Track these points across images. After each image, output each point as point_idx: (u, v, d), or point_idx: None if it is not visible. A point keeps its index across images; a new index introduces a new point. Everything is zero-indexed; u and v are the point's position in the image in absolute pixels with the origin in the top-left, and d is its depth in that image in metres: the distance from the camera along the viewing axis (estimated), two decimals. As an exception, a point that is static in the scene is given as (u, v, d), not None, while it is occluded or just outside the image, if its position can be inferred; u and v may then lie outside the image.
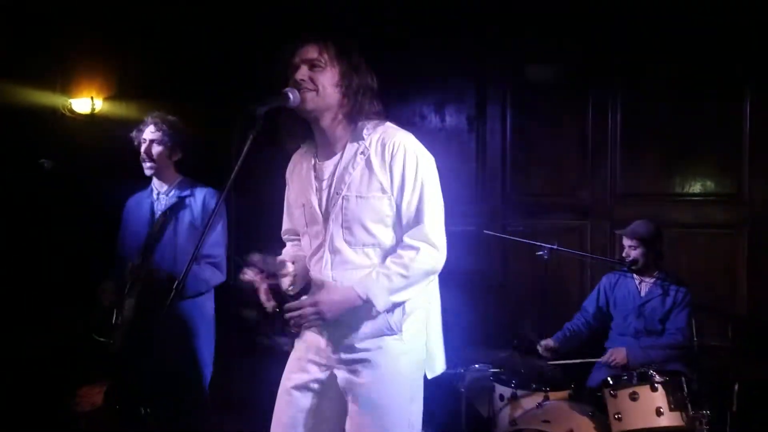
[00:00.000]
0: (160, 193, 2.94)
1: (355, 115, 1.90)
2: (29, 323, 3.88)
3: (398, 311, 1.90)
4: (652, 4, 4.11)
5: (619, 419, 2.78)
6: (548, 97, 4.40)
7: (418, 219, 1.87)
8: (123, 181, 3.06)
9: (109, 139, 3.63)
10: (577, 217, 4.38)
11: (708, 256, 4.16)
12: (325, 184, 1.93)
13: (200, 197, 2.90)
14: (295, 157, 2.06)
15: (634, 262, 3.44)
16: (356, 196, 1.87)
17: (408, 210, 1.87)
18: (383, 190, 1.87)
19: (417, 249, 1.85)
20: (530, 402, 3.00)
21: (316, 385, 1.96)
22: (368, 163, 1.88)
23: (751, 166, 4.14)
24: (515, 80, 4.44)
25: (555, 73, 4.34)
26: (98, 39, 4.59)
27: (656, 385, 2.79)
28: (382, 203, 1.87)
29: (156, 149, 2.89)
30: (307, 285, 2.00)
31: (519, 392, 3.04)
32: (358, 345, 1.89)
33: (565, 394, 3.05)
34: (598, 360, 3.40)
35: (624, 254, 3.50)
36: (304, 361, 1.98)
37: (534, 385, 3.03)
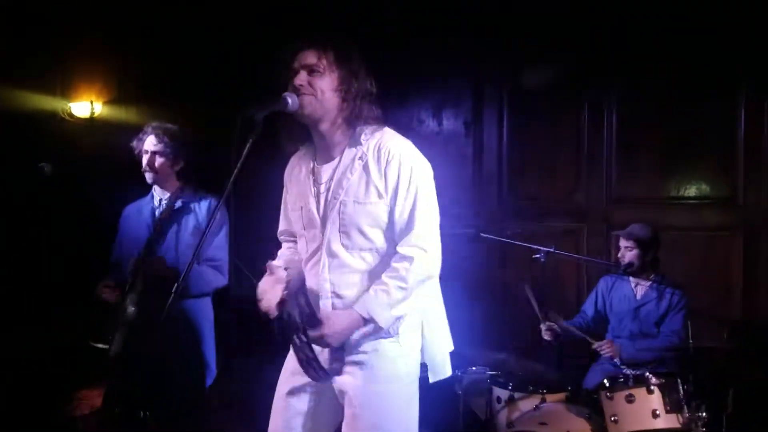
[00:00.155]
0: (162, 200, 2.94)
1: (353, 120, 1.90)
2: (29, 325, 3.88)
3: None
4: (646, 8, 4.14)
5: (616, 421, 2.79)
6: (544, 101, 4.43)
7: (410, 225, 1.88)
8: (122, 184, 3.07)
9: (108, 143, 3.64)
10: (573, 220, 4.41)
11: (703, 259, 4.19)
12: (323, 188, 1.94)
13: (205, 204, 2.90)
14: (293, 160, 2.07)
15: (630, 264, 3.46)
16: (354, 201, 1.88)
17: (401, 217, 1.88)
18: (380, 196, 1.88)
19: (411, 259, 1.86)
20: (527, 404, 3.01)
21: (311, 389, 1.96)
22: (366, 169, 1.89)
23: (746, 170, 4.17)
24: (512, 85, 4.47)
25: (551, 77, 4.36)
26: (98, 42, 4.61)
27: (652, 387, 2.80)
28: (378, 208, 1.89)
29: (158, 161, 2.87)
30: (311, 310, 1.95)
31: (516, 394, 3.05)
32: (356, 348, 1.90)
33: (562, 396, 3.06)
34: (596, 343, 3.40)
35: (619, 255, 3.52)
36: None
37: (531, 388, 3.04)
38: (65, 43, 4.55)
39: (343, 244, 1.90)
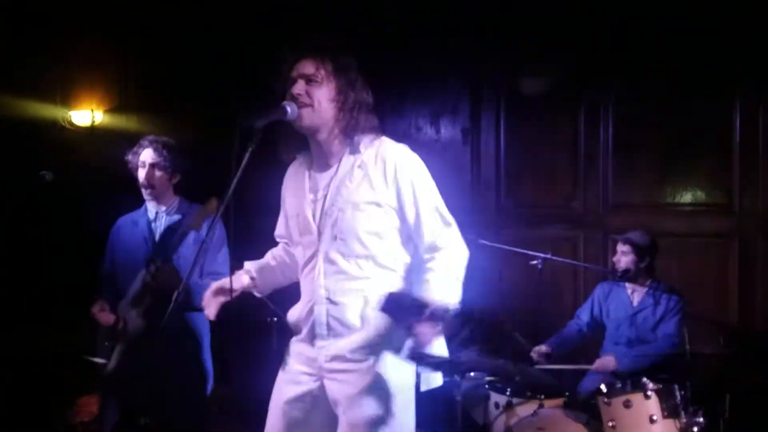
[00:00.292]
0: (159, 213, 2.91)
1: (351, 130, 1.92)
2: (29, 333, 3.89)
3: (391, 323, 1.92)
4: (641, 13, 4.17)
5: (613, 427, 2.80)
6: (541, 108, 4.46)
7: (438, 221, 1.92)
8: (123, 193, 3.07)
9: (109, 151, 3.65)
10: (570, 227, 4.43)
11: (699, 265, 4.21)
12: (320, 195, 1.95)
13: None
14: (291, 168, 2.09)
15: (626, 271, 3.48)
16: (352, 208, 1.90)
17: (428, 217, 1.91)
18: (379, 204, 1.90)
19: (449, 248, 1.92)
20: (525, 410, 3.02)
21: (307, 397, 1.96)
22: (366, 177, 1.91)
23: (741, 176, 4.20)
24: (509, 92, 4.49)
25: (548, 83, 4.39)
26: (99, 51, 4.63)
27: (649, 392, 2.81)
28: (377, 216, 1.91)
29: (157, 174, 2.84)
30: None
31: (514, 400, 3.06)
32: (349, 355, 1.91)
33: (559, 401, 3.07)
34: (589, 368, 3.44)
35: (615, 259, 3.55)
36: (295, 373, 1.98)
37: (529, 393, 3.05)
38: (66, 51, 4.58)
39: (340, 252, 1.91)
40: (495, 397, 3.12)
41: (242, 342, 3.41)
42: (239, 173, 1.78)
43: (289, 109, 1.88)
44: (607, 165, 4.38)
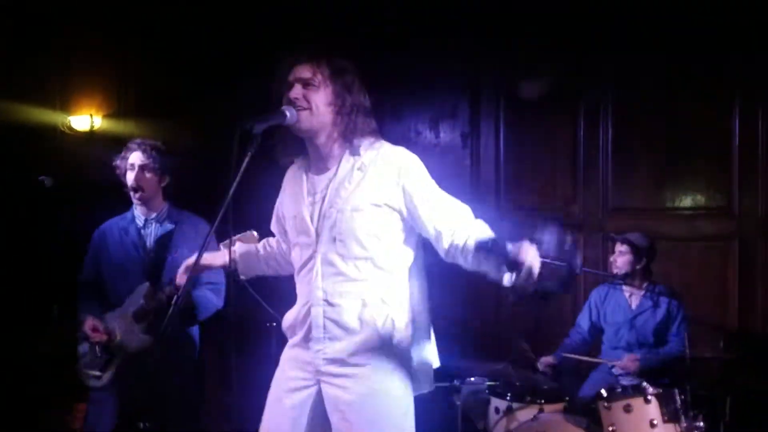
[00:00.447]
0: (148, 220, 2.87)
1: (349, 134, 1.93)
2: (27, 336, 3.89)
3: (389, 326, 1.91)
4: (639, 17, 4.18)
5: (614, 431, 2.80)
6: (540, 112, 4.46)
7: (452, 208, 1.94)
8: (122, 198, 3.07)
9: (108, 157, 3.65)
10: (569, 230, 4.42)
11: (699, 269, 4.21)
12: (318, 197, 1.96)
13: (195, 223, 2.86)
14: (289, 172, 2.09)
15: (625, 274, 3.48)
16: (352, 210, 1.90)
17: (444, 207, 1.93)
18: (379, 205, 1.91)
19: (476, 220, 1.96)
20: (525, 415, 3.02)
21: (303, 401, 1.95)
22: (366, 179, 1.91)
23: (740, 180, 4.20)
24: (508, 96, 4.50)
25: (547, 85, 4.39)
26: (98, 56, 4.63)
27: (649, 397, 2.80)
28: (377, 217, 1.91)
29: (146, 176, 2.80)
30: None
31: (514, 405, 3.06)
32: (349, 360, 1.90)
33: (560, 406, 3.07)
34: (614, 363, 3.41)
35: (611, 259, 3.55)
36: (290, 379, 1.97)
37: (529, 398, 3.05)
38: (65, 56, 4.58)
39: (339, 253, 1.91)
40: (495, 402, 3.12)
41: (241, 347, 3.41)
42: (238, 178, 1.77)
43: (288, 113, 1.88)
44: (607, 168, 4.38)
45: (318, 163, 1.99)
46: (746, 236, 4.20)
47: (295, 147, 2.01)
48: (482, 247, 1.81)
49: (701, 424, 2.79)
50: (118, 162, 2.86)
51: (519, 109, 4.48)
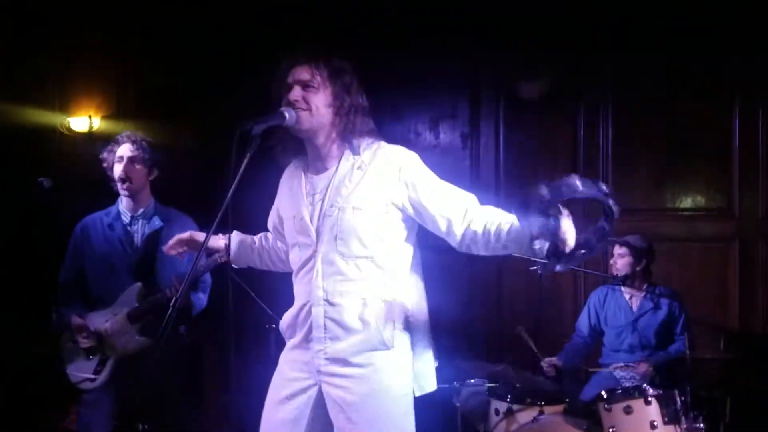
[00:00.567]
0: (135, 217, 2.83)
1: (348, 134, 1.94)
2: (25, 339, 3.88)
3: (389, 326, 1.92)
4: (641, 17, 4.18)
5: (614, 432, 2.80)
6: (540, 113, 4.46)
7: (459, 196, 1.93)
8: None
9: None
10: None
11: (699, 270, 4.21)
12: (317, 197, 1.96)
13: (182, 221, 2.83)
14: (287, 172, 2.10)
15: (625, 276, 3.48)
16: (353, 208, 1.90)
17: (452, 197, 1.92)
18: (381, 203, 1.91)
19: (484, 206, 1.93)
20: (526, 416, 3.01)
21: (304, 403, 1.94)
22: (367, 177, 1.92)
23: (741, 180, 4.20)
24: (508, 96, 4.50)
25: (546, 88, 4.39)
26: (97, 57, 4.63)
27: (650, 398, 2.80)
28: (378, 215, 1.91)
29: (136, 167, 2.77)
30: None
31: (514, 407, 3.05)
32: (350, 359, 1.90)
33: (560, 408, 3.06)
34: (628, 367, 3.40)
35: (611, 262, 3.55)
36: (290, 380, 1.97)
37: (529, 400, 3.04)
38: (64, 57, 4.58)
39: (339, 252, 1.91)
40: (495, 404, 3.11)
41: (240, 347, 3.41)
42: (238, 178, 1.77)
43: (287, 114, 1.89)
44: (607, 169, 4.38)
45: (317, 163, 2.00)
46: (746, 237, 4.20)
47: (295, 147, 2.02)
48: (514, 227, 1.75)
49: (701, 425, 2.79)
50: (105, 155, 2.83)
51: (519, 109, 4.48)
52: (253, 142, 1.78)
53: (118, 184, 2.79)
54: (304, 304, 1.96)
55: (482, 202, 1.98)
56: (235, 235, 2.21)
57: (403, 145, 2.00)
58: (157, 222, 2.83)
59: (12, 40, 4.43)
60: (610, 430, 2.80)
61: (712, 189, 4.26)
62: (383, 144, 1.98)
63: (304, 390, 1.95)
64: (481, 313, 4.35)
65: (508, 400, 3.06)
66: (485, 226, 1.87)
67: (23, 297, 3.98)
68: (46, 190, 2.95)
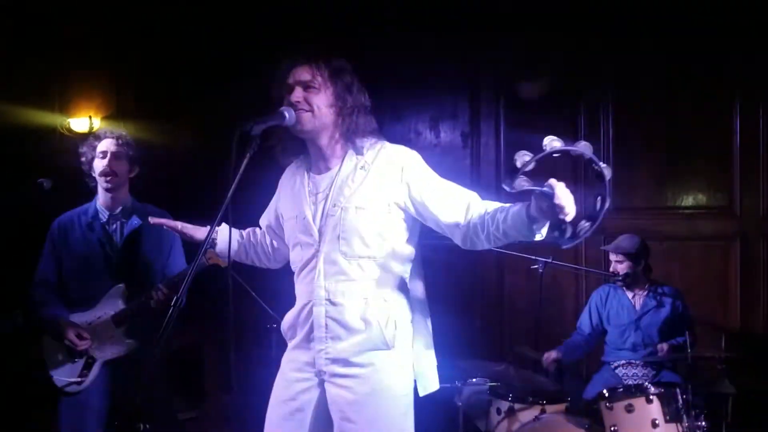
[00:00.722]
0: (113, 215, 2.76)
1: (351, 134, 1.94)
2: (24, 340, 3.88)
3: (391, 325, 1.92)
4: (642, 16, 4.18)
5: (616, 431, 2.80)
6: (541, 112, 4.46)
7: (461, 193, 1.92)
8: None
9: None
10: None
11: (700, 269, 4.21)
12: (320, 197, 1.96)
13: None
14: (287, 172, 2.10)
15: (626, 276, 3.49)
16: (356, 207, 1.90)
17: (454, 194, 1.91)
18: (383, 203, 1.91)
19: (484, 200, 1.92)
20: (527, 415, 3.01)
21: (306, 403, 1.95)
22: (370, 177, 1.92)
23: (741, 179, 4.20)
24: (508, 96, 4.49)
25: (546, 87, 4.39)
26: (97, 58, 4.63)
27: (651, 397, 2.80)
28: (380, 215, 1.91)
29: (119, 162, 2.73)
30: None
31: (516, 406, 3.05)
32: (351, 359, 1.90)
33: (561, 407, 3.06)
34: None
35: (611, 269, 3.56)
36: (292, 380, 1.97)
37: (531, 399, 3.04)
38: (64, 57, 4.58)
39: (342, 252, 1.91)
40: (497, 403, 3.11)
41: (240, 347, 3.40)
42: (237, 179, 1.77)
43: (287, 114, 1.89)
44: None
45: (320, 163, 1.99)
46: (747, 236, 4.20)
47: (295, 147, 2.02)
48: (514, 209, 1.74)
49: (703, 423, 2.79)
50: (84, 149, 2.77)
51: (519, 109, 4.48)
52: (252, 142, 1.78)
53: (101, 179, 2.74)
54: (306, 304, 1.96)
55: (483, 200, 1.97)
56: (224, 228, 2.17)
57: (403, 144, 2.00)
58: (135, 220, 2.78)
59: (12, 40, 4.43)
60: (612, 428, 2.79)
61: (713, 188, 4.26)
62: (386, 144, 1.98)
63: (306, 390, 1.95)
64: (482, 313, 4.34)
65: (510, 399, 3.06)
66: (484, 218, 1.86)
67: (23, 297, 3.97)
68: (46, 191, 2.93)
